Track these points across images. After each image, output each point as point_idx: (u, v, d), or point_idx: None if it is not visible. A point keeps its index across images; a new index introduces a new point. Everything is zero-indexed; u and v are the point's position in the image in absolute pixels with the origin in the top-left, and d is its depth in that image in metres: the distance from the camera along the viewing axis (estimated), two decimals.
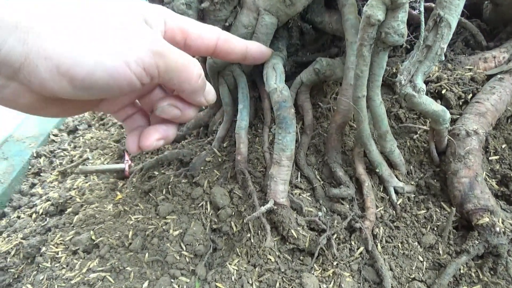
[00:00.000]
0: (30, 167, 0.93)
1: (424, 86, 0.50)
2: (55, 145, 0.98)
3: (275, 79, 0.59)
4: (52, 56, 0.26)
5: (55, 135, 1.04)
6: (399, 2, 0.43)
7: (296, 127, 0.63)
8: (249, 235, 0.58)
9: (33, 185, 0.88)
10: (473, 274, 0.50)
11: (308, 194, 0.61)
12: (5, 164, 0.92)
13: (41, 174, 0.90)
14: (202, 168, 0.67)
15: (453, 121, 0.59)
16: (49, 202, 0.75)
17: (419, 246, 0.54)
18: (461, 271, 0.50)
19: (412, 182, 0.59)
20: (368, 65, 0.48)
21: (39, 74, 0.26)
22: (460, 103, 0.62)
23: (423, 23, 0.44)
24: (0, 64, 0.26)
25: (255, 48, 0.47)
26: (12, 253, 0.66)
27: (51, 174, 0.88)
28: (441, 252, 0.52)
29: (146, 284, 0.56)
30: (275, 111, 0.57)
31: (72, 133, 1.03)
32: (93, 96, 0.29)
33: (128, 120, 0.40)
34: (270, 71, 0.60)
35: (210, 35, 0.39)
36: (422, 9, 0.45)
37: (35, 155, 0.95)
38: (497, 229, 0.49)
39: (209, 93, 0.38)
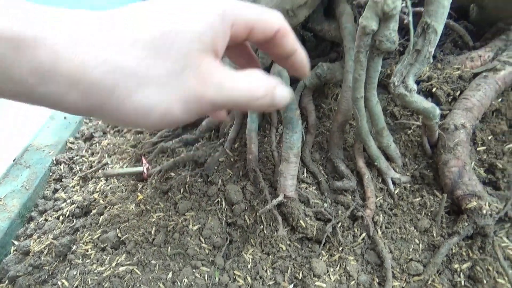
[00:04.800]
0: (51, 173, 0.99)
1: (415, 86, 0.56)
2: (73, 152, 1.04)
3: None
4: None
5: (72, 143, 1.10)
6: (390, 14, 0.48)
7: (301, 127, 0.70)
8: (262, 226, 0.64)
9: (56, 190, 0.94)
10: (463, 253, 0.55)
11: (314, 187, 0.67)
12: (28, 172, 0.98)
13: (63, 180, 0.96)
14: (216, 167, 0.73)
15: (444, 116, 0.65)
16: (74, 205, 0.81)
17: (415, 230, 0.59)
18: (453, 251, 0.56)
19: (408, 173, 0.65)
20: (365, 69, 0.54)
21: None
22: (449, 100, 0.68)
23: (412, 31, 0.50)
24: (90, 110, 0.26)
25: (301, 56, 0.42)
26: (45, 252, 0.72)
27: (72, 179, 0.94)
28: (435, 234, 0.58)
29: (170, 274, 0.62)
30: (282, 113, 0.63)
31: (88, 140, 1.09)
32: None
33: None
34: (276, 77, 0.66)
35: (272, 26, 0.33)
36: (410, 19, 0.50)
37: (55, 162, 1.01)
38: (484, 211, 0.55)
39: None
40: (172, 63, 0.27)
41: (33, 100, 0.25)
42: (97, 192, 0.83)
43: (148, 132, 0.95)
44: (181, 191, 0.72)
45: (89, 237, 0.71)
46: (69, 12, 0.26)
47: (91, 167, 0.95)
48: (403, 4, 0.55)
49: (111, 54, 0.25)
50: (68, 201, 0.85)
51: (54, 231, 0.77)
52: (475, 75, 0.69)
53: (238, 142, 0.75)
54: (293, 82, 0.72)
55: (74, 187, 0.91)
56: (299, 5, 0.61)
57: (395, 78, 0.55)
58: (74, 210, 0.80)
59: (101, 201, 0.79)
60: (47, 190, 0.95)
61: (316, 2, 0.63)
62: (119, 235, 0.69)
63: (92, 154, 1.01)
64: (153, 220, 0.69)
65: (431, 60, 0.56)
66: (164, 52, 0.27)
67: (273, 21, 0.33)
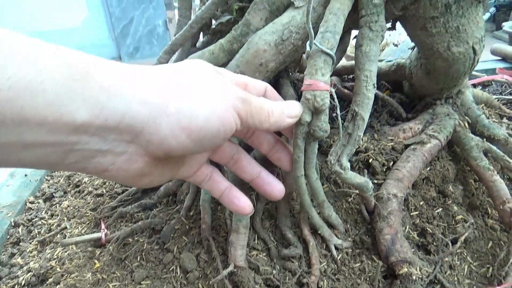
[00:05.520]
0: (8, 236, 0.99)
1: (348, 164, 0.62)
2: (33, 213, 1.04)
3: None
4: (174, 113, 0.30)
5: (32, 203, 1.10)
6: (321, 109, 0.55)
7: (252, 196, 0.75)
8: None
9: (12, 255, 0.93)
10: None
11: (264, 254, 0.71)
12: None
13: (20, 243, 0.95)
14: (172, 235, 0.76)
15: (379, 185, 0.73)
16: (30, 273, 0.81)
17: None
18: None
19: (349, 239, 0.71)
20: (303, 152, 0.61)
21: (161, 132, 0.30)
22: (384, 170, 0.76)
23: (340, 123, 0.57)
24: (123, 131, 0.29)
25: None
26: None
27: (30, 243, 0.94)
28: None
29: None
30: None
31: (48, 201, 1.09)
32: (201, 147, 0.33)
33: (209, 182, 0.42)
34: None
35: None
36: (338, 112, 0.58)
37: (13, 224, 1.01)
38: (414, 277, 0.61)
39: (291, 108, 0.43)
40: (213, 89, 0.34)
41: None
42: (54, 259, 0.83)
43: (107, 195, 0.97)
44: (138, 259, 0.75)
45: None
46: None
47: (50, 230, 0.95)
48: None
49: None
50: (25, 268, 0.85)
51: None
52: (406, 146, 0.78)
53: (193, 210, 0.79)
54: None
55: (31, 252, 0.91)
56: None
57: (331, 158, 0.62)
58: (30, 278, 0.80)
59: (58, 269, 0.79)
60: (4, 255, 0.94)
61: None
62: None
63: (52, 216, 1.01)
64: None
65: (361, 142, 0.64)
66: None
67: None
